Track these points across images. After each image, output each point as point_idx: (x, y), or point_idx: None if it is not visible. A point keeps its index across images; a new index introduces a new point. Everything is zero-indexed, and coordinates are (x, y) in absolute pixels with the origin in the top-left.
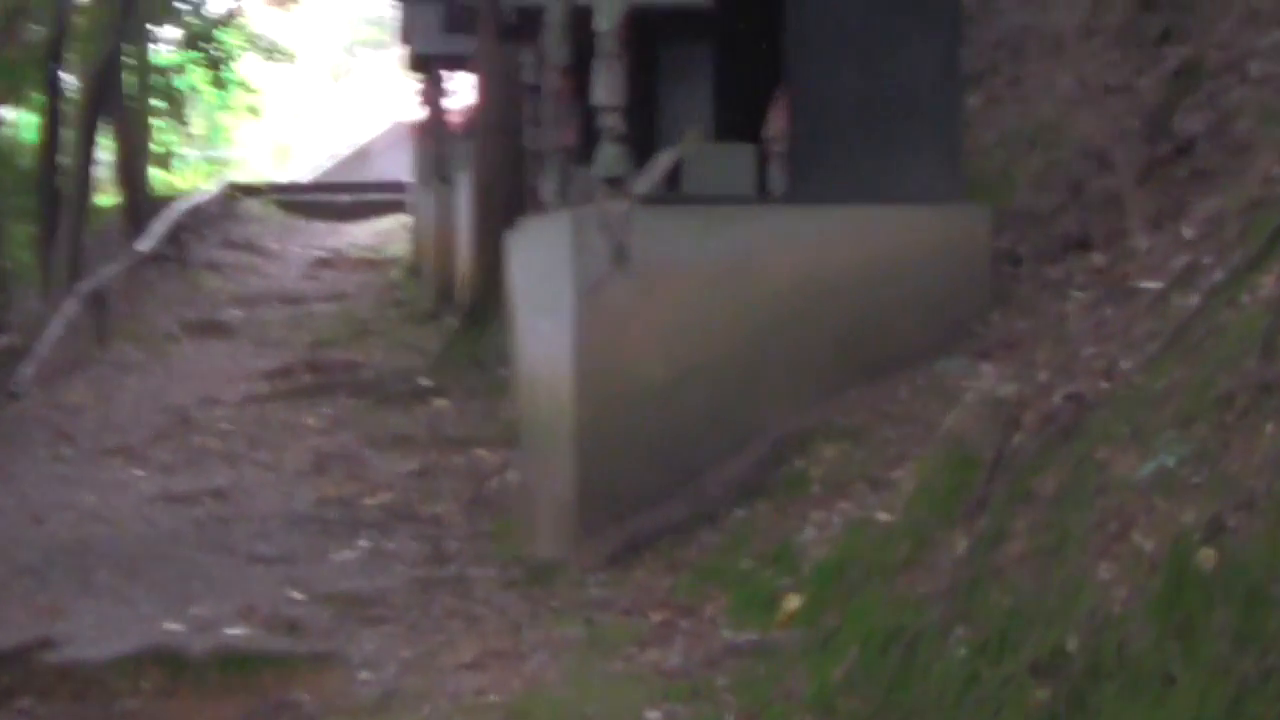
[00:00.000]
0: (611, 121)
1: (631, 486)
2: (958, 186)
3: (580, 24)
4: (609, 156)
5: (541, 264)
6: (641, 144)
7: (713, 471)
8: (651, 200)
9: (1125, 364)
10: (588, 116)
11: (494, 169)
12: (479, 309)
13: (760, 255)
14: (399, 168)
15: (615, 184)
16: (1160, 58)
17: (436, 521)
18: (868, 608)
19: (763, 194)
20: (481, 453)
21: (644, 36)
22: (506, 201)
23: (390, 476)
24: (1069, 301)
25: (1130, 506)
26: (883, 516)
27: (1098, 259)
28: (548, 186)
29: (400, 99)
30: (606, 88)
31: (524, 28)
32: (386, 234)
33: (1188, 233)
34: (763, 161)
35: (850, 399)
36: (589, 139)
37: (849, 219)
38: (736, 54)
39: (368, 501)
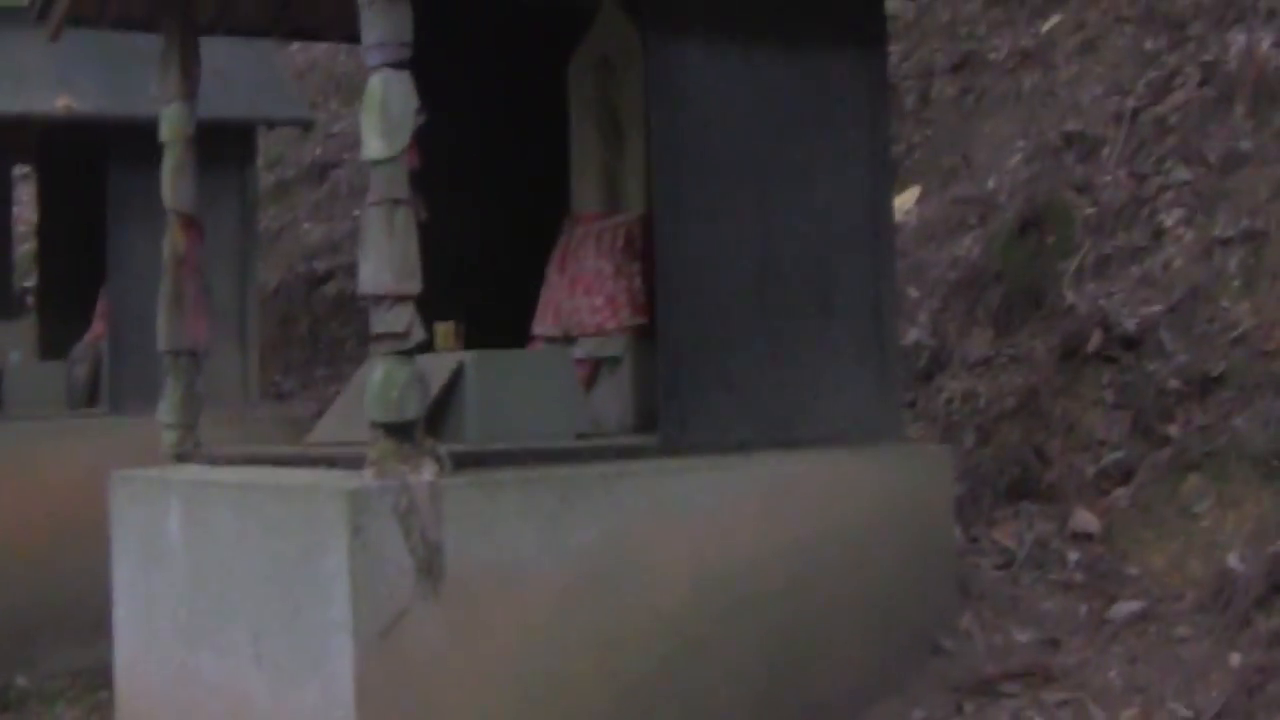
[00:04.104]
0: None
1: None
2: (895, 411)
3: None
4: None
5: (249, 570)
6: None
7: None
8: (468, 462)
9: None
10: None
11: None
12: None
13: (640, 546)
14: None
15: (405, 429)
16: None
17: None
18: None
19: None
20: None
21: None
22: None
23: None
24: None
25: None
26: None
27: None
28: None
29: None
30: None
31: None
32: None
33: None
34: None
35: None
36: None
37: (760, 477)
38: None
39: None
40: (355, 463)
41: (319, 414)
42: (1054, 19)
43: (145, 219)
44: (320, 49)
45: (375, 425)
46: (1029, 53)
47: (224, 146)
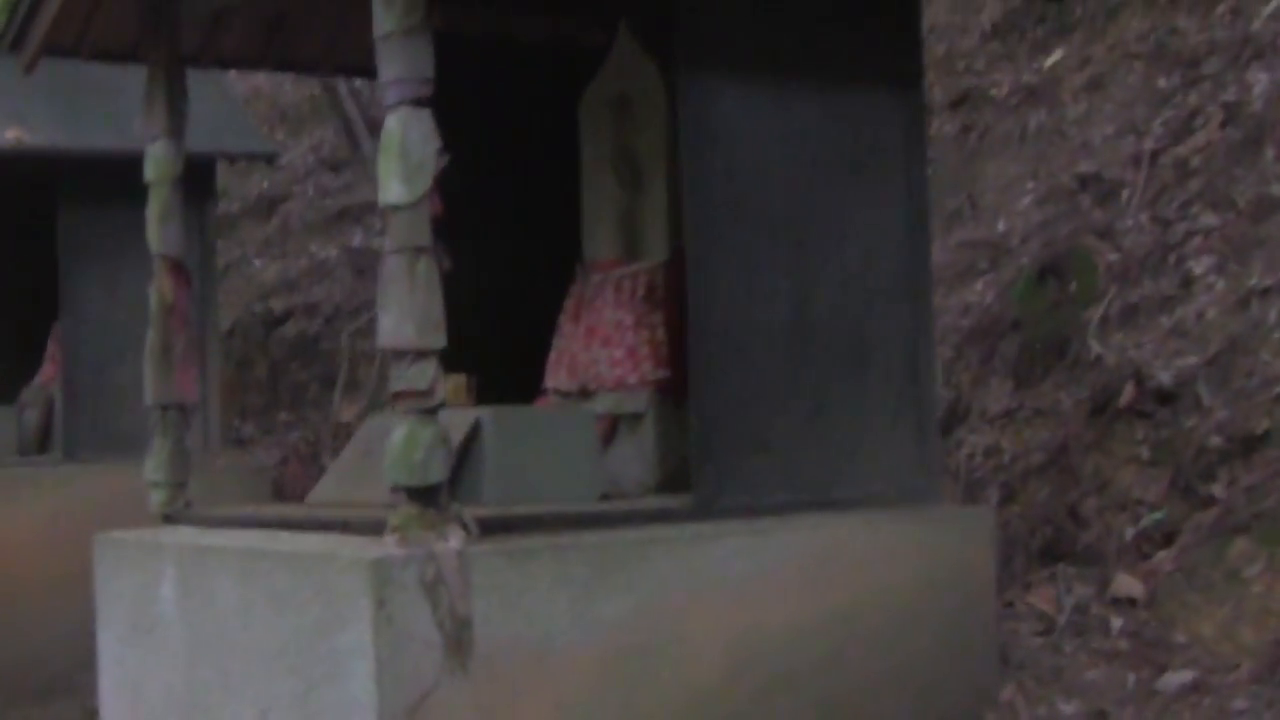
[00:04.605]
0: None
1: None
2: (933, 472)
3: None
4: None
5: (256, 644)
6: None
7: None
8: (494, 528)
9: None
10: None
11: None
12: None
13: (674, 617)
14: None
15: (430, 493)
16: None
17: None
18: None
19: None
20: None
21: None
22: None
23: None
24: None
25: None
26: None
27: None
28: None
29: None
30: None
31: None
32: None
33: None
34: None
35: None
36: None
37: (798, 543)
38: None
39: None
40: (374, 528)
41: (283, 462)
42: (1056, 54)
43: (98, 256)
44: (262, 76)
45: (397, 489)
46: (1033, 89)
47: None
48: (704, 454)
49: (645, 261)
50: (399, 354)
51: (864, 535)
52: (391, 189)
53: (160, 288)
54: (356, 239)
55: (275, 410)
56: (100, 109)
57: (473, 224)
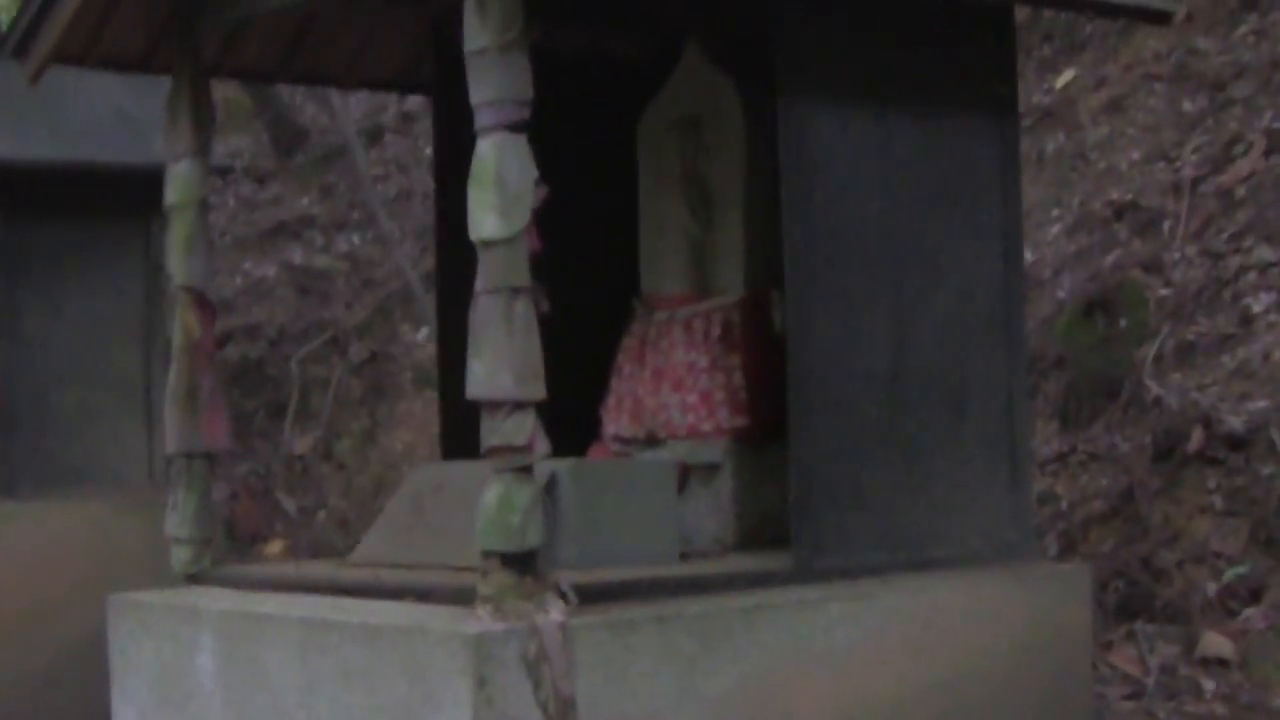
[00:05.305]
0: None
1: None
2: (1029, 526)
3: None
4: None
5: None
6: None
7: None
8: (592, 596)
9: None
10: None
11: None
12: None
13: (781, 689)
14: None
15: (526, 560)
16: None
17: None
18: None
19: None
20: None
21: None
22: None
23: None
24: None
25: None
26: None
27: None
28: None
29: None
30: None
31: None
32: None
33: None
34: None
35: None
36: None
37: (902, 607)
38: None
39: None
40: (460, 597)
41: (232, 497)
42: (1068, 74)
43: (41, 273)
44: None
45: (489, 554)
46: (1047, 110)
47: (126, 196)
48: (802, 511)
49: (718, 299)
50: (494, 406)
51: (965, 598)
52: (486, 222)
53: (185, 323)
54: (297, 256)
55: None
56: (44, 118)
57: None
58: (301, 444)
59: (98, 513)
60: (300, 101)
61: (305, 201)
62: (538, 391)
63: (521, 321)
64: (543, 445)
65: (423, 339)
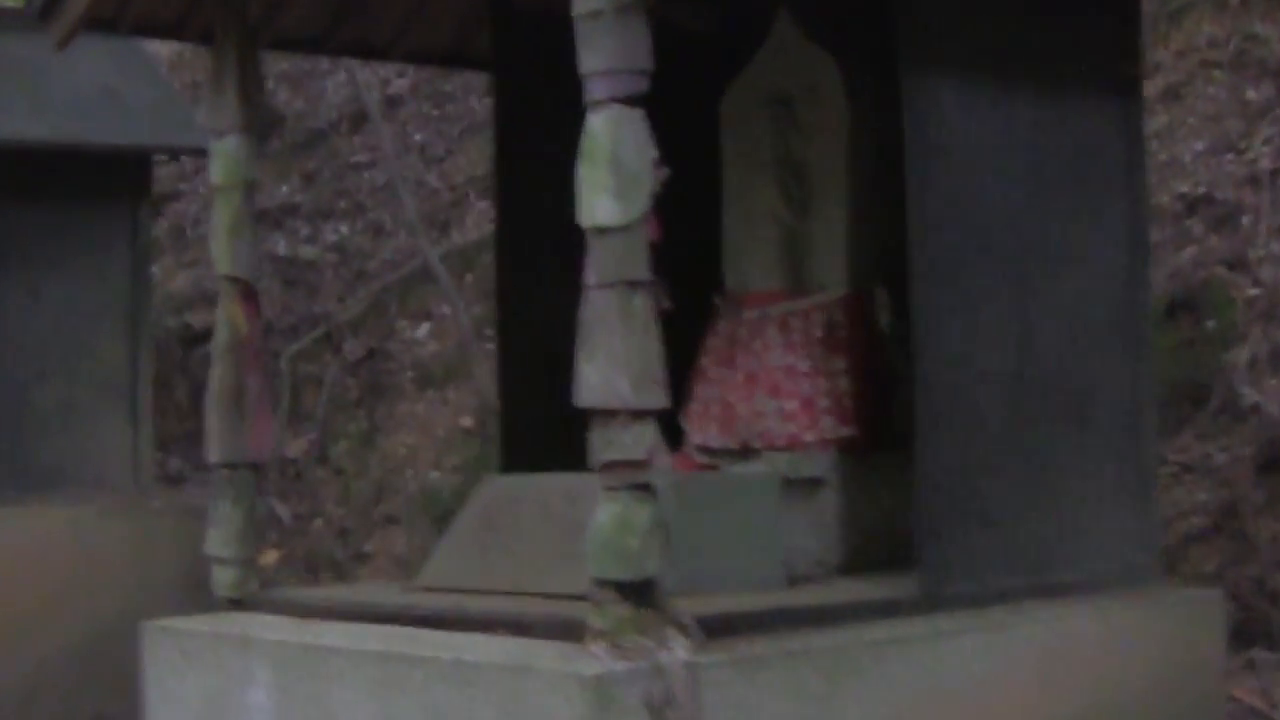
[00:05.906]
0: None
1: None
2: (1157, 547)
3: None
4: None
5: None
6: None
7: None
8: (716, 629)
9: None
10: None
11: None
12: None
13: None
14: None
15: (645, 590)
16: None
17: None
18: None
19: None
20: None
21: None
22: None
23: None
24: None
25: None
26: None
27: None
28: None
29: None
30: None
31: None
32: None
33: None
34: None
35: None
36: None
37: (1033, 637)
38: None
39: None
40: (567, 631)
41: None
42: None
43: (20, 260)
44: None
45: (603, 583)
46: None
47: (113, 179)
48: (930, 531)
49: (818, 296)
50: (608, 414)
51: (1097, 626)
52: (600, 207)
53: (231, 317)
54: (280, 246)
55: (200, 441)
56: (25, 95)
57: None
58: (295, 447)
59: (80, 517)
60: (273, 86)
61: (285, 189)
62: (658, 399)
63: (640, 320)
64: (663, 460)
65: (423, 336)
